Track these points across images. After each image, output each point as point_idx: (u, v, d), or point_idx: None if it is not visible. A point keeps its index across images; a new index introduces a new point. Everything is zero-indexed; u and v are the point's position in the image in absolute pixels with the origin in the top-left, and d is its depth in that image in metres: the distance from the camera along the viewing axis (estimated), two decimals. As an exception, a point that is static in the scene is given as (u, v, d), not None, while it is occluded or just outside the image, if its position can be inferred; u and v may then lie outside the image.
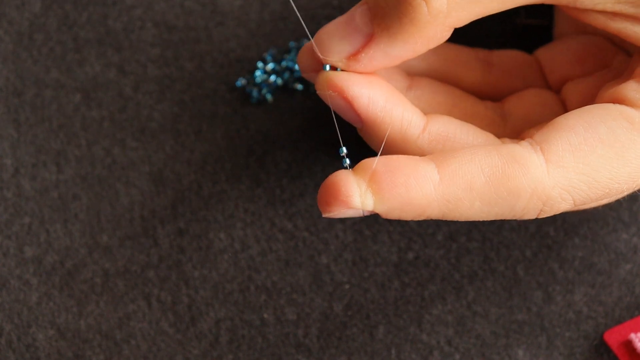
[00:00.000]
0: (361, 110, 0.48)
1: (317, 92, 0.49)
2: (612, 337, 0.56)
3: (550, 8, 0.58)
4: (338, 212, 0.45)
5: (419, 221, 0.58)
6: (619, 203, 0.58)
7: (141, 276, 0.58)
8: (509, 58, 0.56)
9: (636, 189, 0.47)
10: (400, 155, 0.45)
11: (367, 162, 0.45)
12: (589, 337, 0.57)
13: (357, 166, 0.45)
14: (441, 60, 0.55)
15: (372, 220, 0.58)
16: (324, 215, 0.45)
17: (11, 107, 0.60)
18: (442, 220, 0.58)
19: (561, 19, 0.56)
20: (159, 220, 0.58)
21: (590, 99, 0.52)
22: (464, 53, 0.55)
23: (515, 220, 0.58)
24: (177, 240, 0.58)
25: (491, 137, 0.51)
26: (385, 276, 0.58)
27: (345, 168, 0.48)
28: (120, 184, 0.59)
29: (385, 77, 0.52)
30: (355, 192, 0.44)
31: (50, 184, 0.59)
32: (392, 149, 0.49)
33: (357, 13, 0.47)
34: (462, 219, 0.46)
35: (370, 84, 0.48)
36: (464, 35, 0.59)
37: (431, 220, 0.58)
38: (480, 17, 0.47)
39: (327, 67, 0.49)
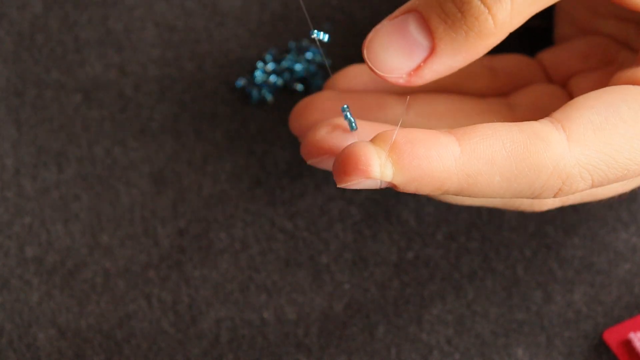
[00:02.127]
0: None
1: (309, 163, 0.49)
2: (612, 337, 0.56)
3: (551, 9, 0.59)
4: (356, 182, 0.44)
5: (419, 221, 0.58)
6: (618, 203, 0.58)
7: (141, 276, 0.58)
8: (512, 61, 0.56)
9: None
10: (419, 129, 0.44)
11: (386, 133, 0.44)
12: (589, 337, 0.57)
13: (375, 137, 0.44)
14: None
15: (372, 220, 0.58)
16: (338, 186, 0.44)
17: (12, 108, 0.60)
18: (442, 220, 0.58)
19: (561, 21, 0.56)
20: (160, 220, 0.58)
21: (598, 87, 0.52)
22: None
23: (515, 219, 0.58)
24: (178, 240, 0.58)
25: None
26: (385, 276, 0.58)
27: (349, 121, 0.47)
28: (121, 184, 0.59)
29: (380, 105, 0.51)
30: (375, 162, 0.43)
31: (51, 184, 0.59)
32: (437, 188, 0.47)
33: (410, 24, 0.46)
34: (479, 195, 0.45)
35: (334, 132, 0.48)
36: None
37: (431, 220, 0.58)
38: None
39: (349, 115, 0.48)
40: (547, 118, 0.46)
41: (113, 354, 0.57)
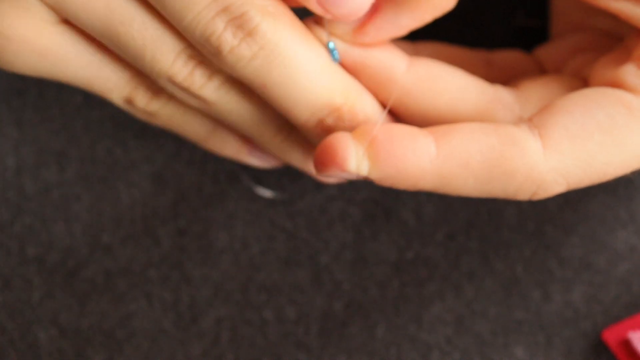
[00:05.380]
0: (339, 55, 0.49)
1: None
2: (611, 336, 0.56)
3: (545, 7, 0.59)
4: (332, 174, 0.45)
5: (418, 221, 0.58)
6: (617, 202, 0.58)
7: (142, 275, 0.58)
8: (509, 56, 0.56)
9: (630, 171, 0.48)
10: (400, 125, 0.46)
11: (368, 127, 0.45)
12: (588, 336, 0.57)
13: (356, 130, 0.45)
14: (443, 61, 0.55)
15: (372, 220, 0.58)
16: (317, 174, 0.46)
17: (13, 108, 0.60)
18: (441, 220, 0.58)
19: (556, 18, 0.56)
20: (160, 220, 0.58)
21: (585, 67, 0.52)
22: (465, 54, 0.56)
23: (514, 219, 0.58)
24: (178, 240, 0.58)
25: (480, 80, 0.51)
26: (384, 275, 0.58)
27: (332, 54, 0.48)
28: (122, 184, 0.59)
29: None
30: (352, 156, 0.45)
31: (52, 184, 0.59)
32: (378, 92, 0.50)
33: None
34: (455, 194, 0.46)
35: None
36: (463, 38, 0.60)
37: (431, 219, 0.58)
38: None
39: (331, 46, 0.49)
40: (526, 122, 0.46)
41: (114, 354, 0.57)
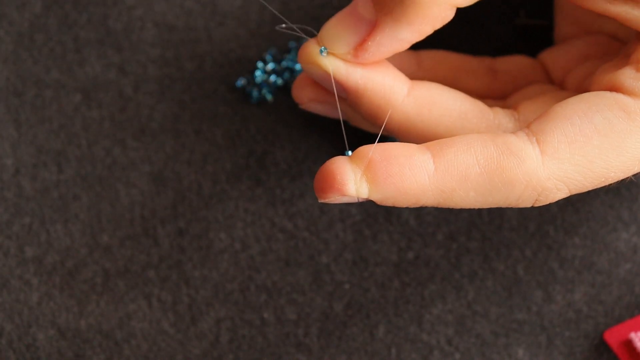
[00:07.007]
0: (341, 79, 0.49)
1: (301, 65, 0.50)
2: (612, 337, 0.56)
3: (550, 8, 0.59)
4: (333, 199, 0.45)
5: (419, 221, 0.58)
6: (619, 202, 0.58)
7: (141, 276, 0.58)
8: (514, 63, 0.56)
9: (631, 174, 0.48)
10: (397, 143, 0.46)
11: (364, 149, 0.45)
12: (589, 337, 0.57)
13: (354, 153, 0.45)
14: (447, 69, 0.55)
15: (372, 220, 0.58)
16: (320, 201, 0.46)
17: (11, 107, 0.60)
18: (442, 220, 0.58)
19: (561, 20, 0.56)
20: (159, 220, 0.58)
21: (588, 78, 0.52)
22: (468, 61, 0.56)
23: (515, 220, 0.58)
24: (178, 240, 0.58)
25: (479, 104, 0.51)
26: (385, 276, 0.58)
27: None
28: (121, 184, 0.59)
29: (395, 60, 0.52)
30: (351, 181, 0.45)
31: (50, 184, 0.59)
32: (379, 115, 0.50)
33: (359, 2, 0.47)
34: (458, 207, 0.46)
35: None
36: (465, 38, 0.59)
37: (431, 219, 0.58)
38: None
39: (323, 51, 0.49)
40: (523, 130, 0.46)
41: (113, 354, 0.57)
